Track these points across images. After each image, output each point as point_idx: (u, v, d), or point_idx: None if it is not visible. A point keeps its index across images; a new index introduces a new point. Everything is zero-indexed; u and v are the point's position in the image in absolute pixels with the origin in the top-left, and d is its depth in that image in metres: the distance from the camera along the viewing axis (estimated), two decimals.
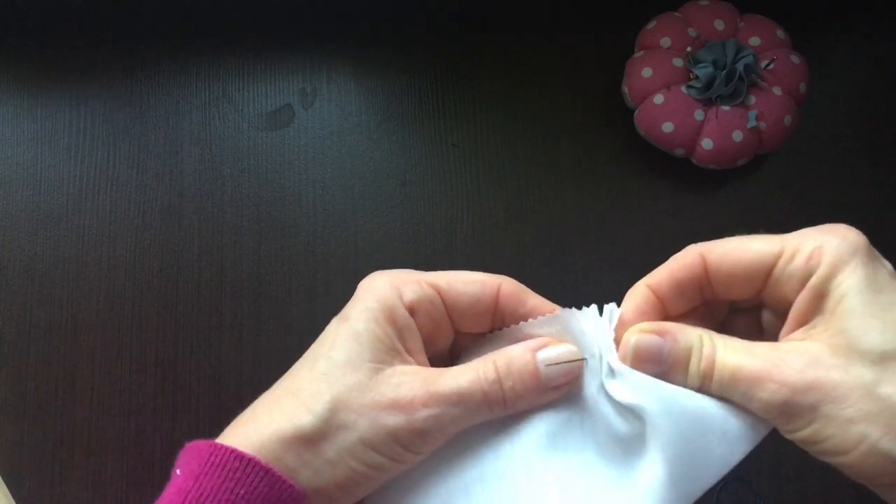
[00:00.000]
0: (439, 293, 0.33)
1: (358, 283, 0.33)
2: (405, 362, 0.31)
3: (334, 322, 0.32)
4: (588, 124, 0.64)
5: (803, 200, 0.64)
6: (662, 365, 0.31)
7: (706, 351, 0.30)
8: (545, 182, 0.63)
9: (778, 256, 0.30)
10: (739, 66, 0.59)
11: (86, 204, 0.60)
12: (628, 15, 0.65)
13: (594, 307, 0.33)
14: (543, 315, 0.33)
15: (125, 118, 0.62)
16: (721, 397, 0.31)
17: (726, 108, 0.60)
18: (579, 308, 0.33)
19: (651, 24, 0.63)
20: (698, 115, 0.60)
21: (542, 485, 0.32)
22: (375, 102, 0.64)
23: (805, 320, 0.30)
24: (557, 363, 0.31)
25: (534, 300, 0.33)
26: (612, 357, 0.32)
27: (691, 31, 0.62)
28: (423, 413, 0.30)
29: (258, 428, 0.30)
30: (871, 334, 0.27)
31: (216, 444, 0.30)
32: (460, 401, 0.30)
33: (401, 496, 0.32)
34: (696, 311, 0.33)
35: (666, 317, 0.33)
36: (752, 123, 0.59)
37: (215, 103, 0.63)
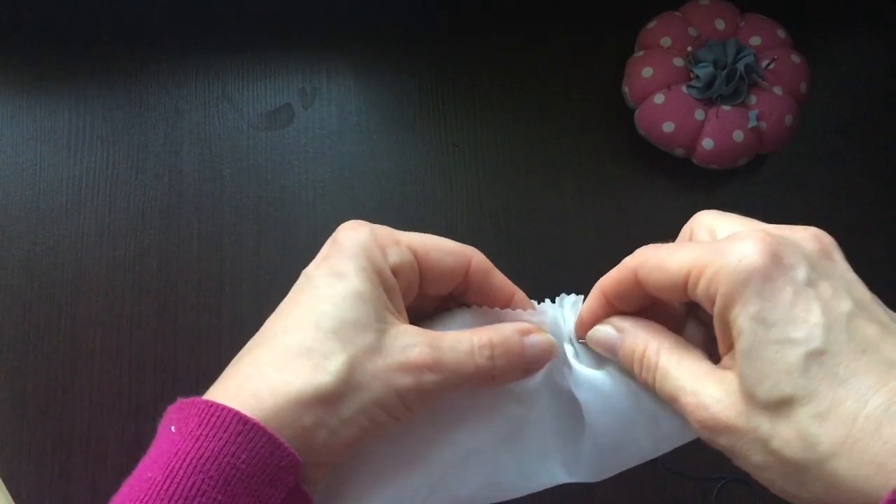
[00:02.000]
0: (416, 258, 0.34)
1: None
2: (400, 323, 0.32)
3: (324, 277, 0.32)
4: (588, 124, 0.64)
5: (804, 200, 0.64)
6: (617, 356, 0.34)
7: (649, 360, 0.32)
8: (545, 182, 0.63)
9: (686, 279, 0.29)
10: (740, 66, 0.59)
11: (85, 204, 0.60)
12: (628, 14, 0.65)
13: (568, 298, 0.36)
14: (505, 292, 0.36)
15: (125, 118, 0.62)
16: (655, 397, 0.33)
17: (727, 107, 0.60)
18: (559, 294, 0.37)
19: (651, 24, 0.63)
20: (699, 114, 0.60)
21: (514, 457, 0.36)
22: (375, 102, 0.64)
23: (725, 344, 0.30)
24: (540, 348, 0.34)
25: (498, 278, 0.36)
26: (569, 346, 0.35)
27: (692, 31, 0.62)
28: (430, 377, 0.31)
29: (272, 390, 0.30)
30: (764, 384, 0.27)
31: (217, 405, 0.29)
32: (457, 369, 0.32)
33: (406, 460, 0.34)
34: (657, 305, 0.34)
35: (619, 313, 0.34)
36: (752, 123, 0.59)
37: (215, 103, 0.63)
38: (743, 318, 0.27)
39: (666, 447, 0.34)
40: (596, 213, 0.63)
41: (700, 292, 0.29)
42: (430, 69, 0.64)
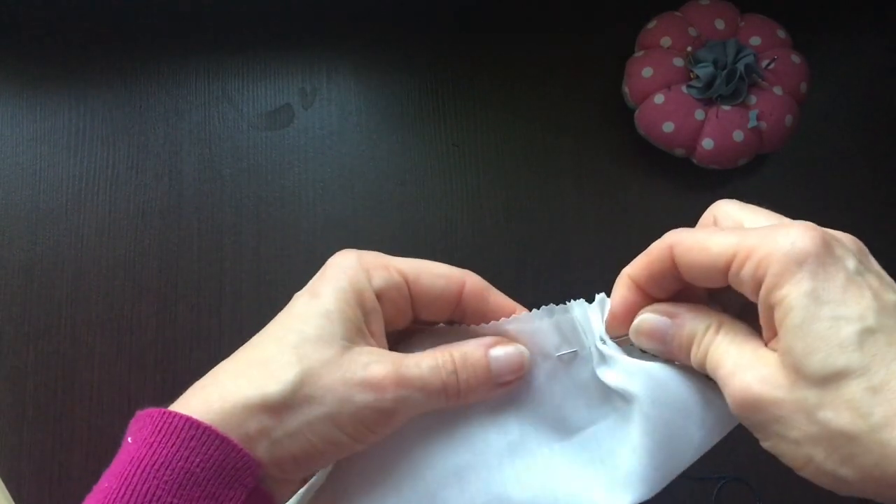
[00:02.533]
0: (406, 282, 0.33)
1: None
2: (369, 344, 0.32)
3: (302, 297, 0.33)
4: (588, 124, 0.64)
5: (804, 200, 0.64)
6: (666, 345, 0.32)
7: (706, 341, 0.31)
8: (545, 182, 0.63)
9: (731, 260, 0.29)
10: (740, 66, 0.59)
11: (85, 204, 0.60)
12: (628, 15, 0.65)
13: (582, 301, 0.35)
14: (505, 312, 0.34)
15: (125, 118, 0.62)
16: (707, 380, 0.32)
17: (727, 107, 0.60)
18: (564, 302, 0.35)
19: (651, 24, 0.63)
20: (699, 114, 0.60)
21: (529, 473, 0.34)
22: (375, 102, 0.64)
23: (769, 328, 0.29)
24: (506, 360, 0.33)
25: (496, 298, 0.35)
26: (603, 345, 0.34)
27: (692, 31, 0.62)
28: (392, 394, 0.30)
29: (221, 395, 0.30)
30: (815, 357, 0.27)
31: (170, 412, 0.29)
32: (423, 386, 0.31)
33: (394, 477, 0.33)
34: (688, 288, 0.33)
35: (654, 301, 0.33)
36: (752, 123, 0.59)
37: (215, 103, 0.63)
38: (795, 295, 0.27)
39: (715, 439, 0.33)
40: (596, 213, 0.63)
41: (745, 274, 0.29)
42: (430, 69, 0.64)
